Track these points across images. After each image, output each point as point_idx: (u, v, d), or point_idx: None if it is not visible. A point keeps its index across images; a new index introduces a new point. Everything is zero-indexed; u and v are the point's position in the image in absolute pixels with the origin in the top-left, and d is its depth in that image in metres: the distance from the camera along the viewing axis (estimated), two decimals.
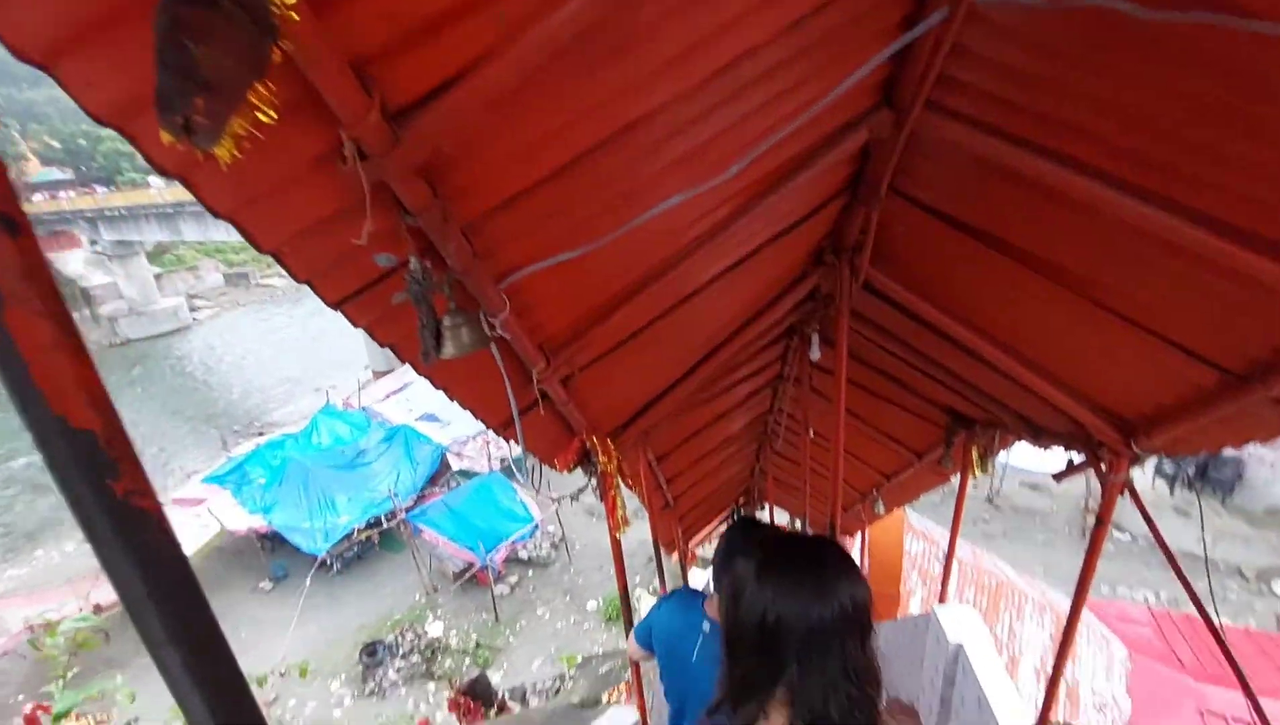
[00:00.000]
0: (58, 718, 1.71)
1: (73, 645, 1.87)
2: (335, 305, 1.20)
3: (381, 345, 1.45)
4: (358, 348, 31.41)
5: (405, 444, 16.85)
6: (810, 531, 5.84)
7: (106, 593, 12.79)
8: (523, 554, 14.32)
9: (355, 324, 1.30)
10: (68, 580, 13.27)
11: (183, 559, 0.38)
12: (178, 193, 34.69)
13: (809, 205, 2.29)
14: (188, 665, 0.38)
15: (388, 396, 21.41)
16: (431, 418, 18.40)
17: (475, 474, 15.85)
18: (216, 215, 0.89)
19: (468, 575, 13.44)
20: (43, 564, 17.48)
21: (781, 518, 8.13)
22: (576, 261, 1.50)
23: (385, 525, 14.74)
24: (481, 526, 13.29)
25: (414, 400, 20.00)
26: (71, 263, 41.05)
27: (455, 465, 16.17)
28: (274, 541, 14.79)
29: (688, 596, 2.25)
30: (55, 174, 48.87)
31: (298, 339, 37.59)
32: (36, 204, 41.36)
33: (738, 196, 1.90)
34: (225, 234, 33.78)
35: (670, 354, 2.84)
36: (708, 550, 9.44)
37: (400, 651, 11.85)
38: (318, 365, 32.52)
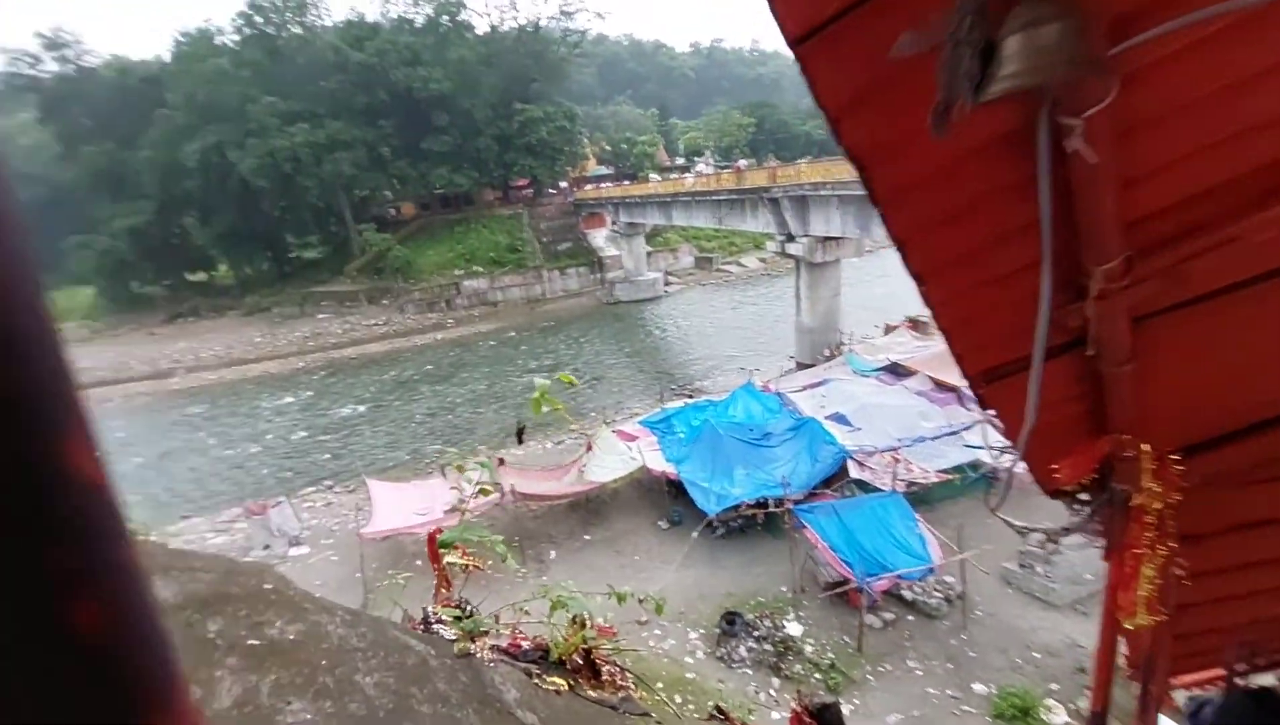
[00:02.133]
0: (444, 544, 1.67)
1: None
2: None
3: None
4: (787, 338, 32.91)
5: (809, 438, 16.64)
6: None
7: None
8: (906, 593, 12.54)
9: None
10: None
11: None
12: (671, 187, 42.05)
13: None
14: None
15: (804, 388, 21.61)
16: (841, 419, 17.74)
17: (874, 490, 14.57)
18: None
19: (838, 590, 12.47)
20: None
21: None
22: None
23: (772, 509, 14.85)
24: (867, 546, 12.07)
25: (829, 397, 19.66)
26: (598, 238, 54.33)
27: (854, 473, 15.17)
28: (678, 489, 16.45)
29: None
30: (602, 170, 65.09)
31: (738, 322, 41.64)
32: (587, 192, 56.02)
33: None
34: (703, 222, 39.40)
35: None
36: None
37: (755, 634, 11.75)
38: (749, 348, 35.38)
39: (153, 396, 38.03)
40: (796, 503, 13.98)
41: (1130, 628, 1.72)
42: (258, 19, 53.00)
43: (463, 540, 1.72)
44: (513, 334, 43.62)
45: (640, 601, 2.33)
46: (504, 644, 1.83)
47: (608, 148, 69.27)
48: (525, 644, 1.86)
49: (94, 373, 42.45)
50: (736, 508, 15.18)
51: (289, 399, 34.52)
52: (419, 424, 29.08)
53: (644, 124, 77.32)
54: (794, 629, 12.03)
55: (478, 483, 1.99)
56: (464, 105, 51.58)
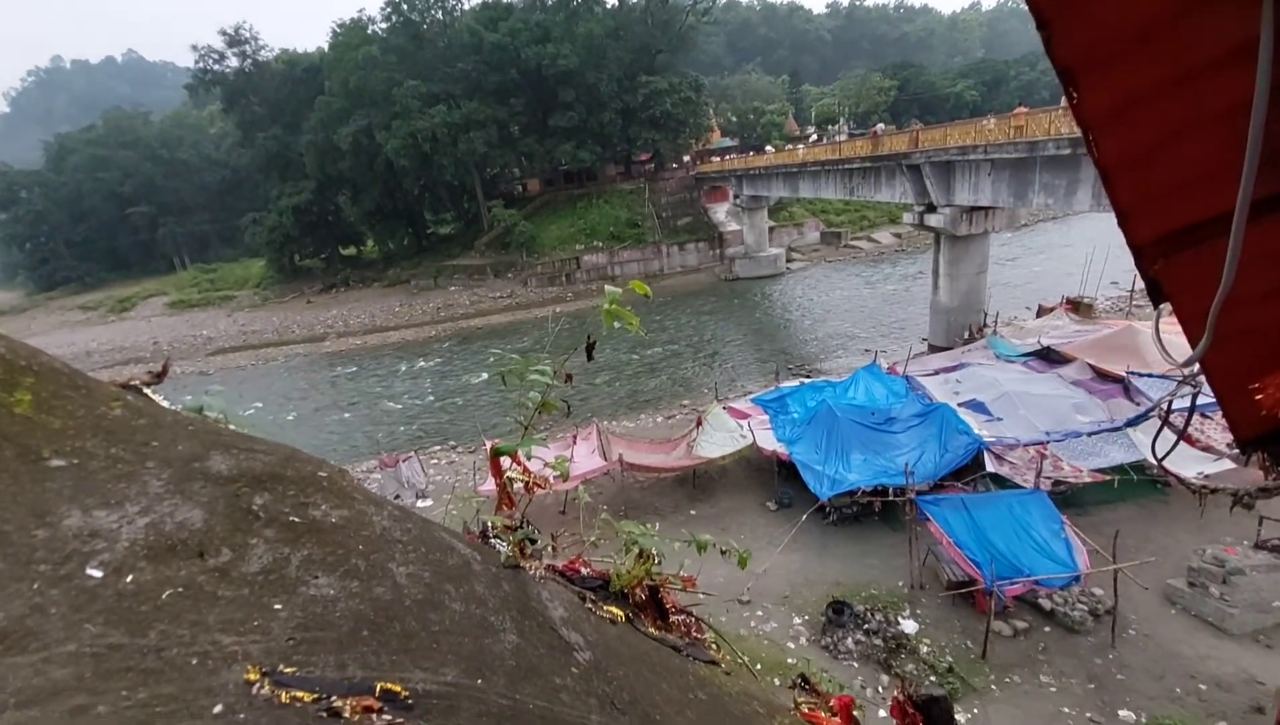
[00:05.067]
0: (499, 452, 1.62)
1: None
2: None
3: None
4: (919, 320, 30.73)
5: (939, 425, 15.44)
6: None
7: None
8: (1044, 602, 11.30)
9: None
10: None
11: None
12: (792, 156, 40.15)
13: None
14: None
15: (937, 372, 20.05)
16: (979, 407, 16.25)
17: (1014, 486, 13.24)
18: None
19: (963, 591, 11.49)
20: None
21: None
22: None
23: (891, 498, 13.99)
24: (1000, 546, 10.97)
25: (966, 383, 18.09)
26: (719, 212, 53.39)
27: (990, 467, 13.85)
28: (788, 470, 15.91)
29: None
30: (727, 142, 63.59)
31: (866, 301, 39.43)
32: (713, 164, 55.03)
33: None
34: (832, 193, 37.42)
35: None
36: None
37: (865, 626, 11.13)
38: (876, 329, 33.44)
39: (308, 357, 42.81)
40: (920, 493, 13.03)
41: None
42: (404, 6, 56.80)
43: (523, 450, 1.61)
44: (629, 308, 44.30)
45: (723, 552, 2.14)
46: (560, 565, 1.74)
47: (733, 118, 67.63)
48: (584, 570, 1.76)
49: (262, 335, 48.60)
50: (852, 494, 14.49)
51: (421, 364, 37.40)
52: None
53: (773, 92, 74.58)
54: (909, 626, 11.27)
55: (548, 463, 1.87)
56: (590, 80, 52.35)
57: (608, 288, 1.62)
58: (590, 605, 1.55)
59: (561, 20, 53.49)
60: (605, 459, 16.19)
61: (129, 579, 0.92)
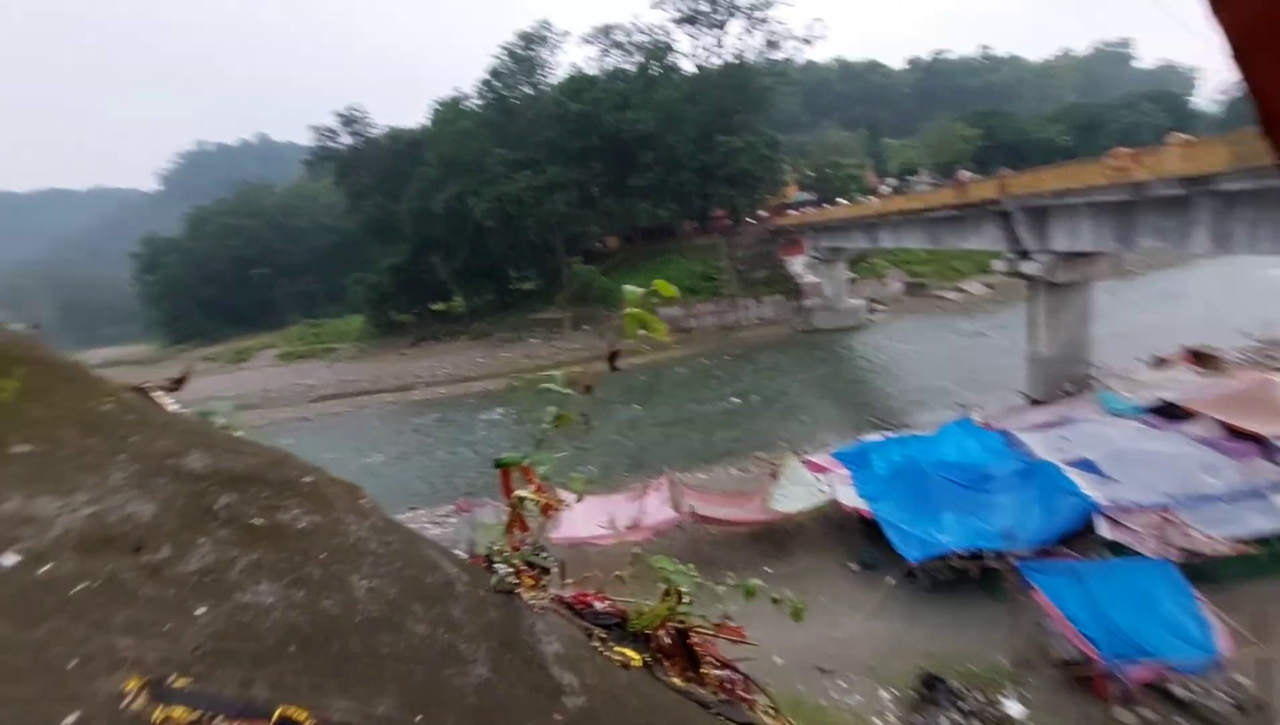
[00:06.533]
0: (502, 464, 1.48)
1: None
2: None
3: None
4: (1016, 372, 28.74)
5: (1043, 484, 14.16)
6: None
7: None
8: (1177, 689, 9.75)
9: None
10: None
11: None
12: (872, 208, 39.38)
13: None
14: None
15: (1038, 428, 18.47)
16: (1088, 466, 14.74)
17: (1133, 554, 11.76)
18: None
19: (1077, 671, 10.11)
20: None
21: None
22: None
23: (990, 563, 12.75)
24: (1120, 621, 9.64)
25: (1073, 440, 16.57)
26: (796, 265, 52.84)
27: (1104, 533, 12.40)
28: (872, 529, 14.91)
29: None
30: (804, 196, 63.47)
31: (955, 353, 37.41)
32: (789, 217, 54.93)
33: None
34: (915, 242, 36.28)
35: None
36: None
37: (961, 705, 9.94)
38: (967, 382, 31.45)
39: (397, 405, 44.97)
40: (1023, 559, 11.80)
41: None
42: (496, 83, 61.52)
43: (534, 463, 1.46)
44: (704, 360, 43.94)
45: (775, 600, 1.88)
46: (568, 596, 1.54)
47: (810, 173, 67.72)
48: (597, 605, 1.55)
49: (358, 384, 51.67)
50: (944, 557, 13.35)
51: (499, 413, 38.37)
52: (610, 444, 30.33)
53: (851, 146, 74.34)
54: (1013, 708, 10.00)
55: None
56: (667, 141, 54.09)
57: (627, 288, 1.47)
58: (598, 644, 1.34)
59: (641, 88, 56.00)
60: (677, 511, 15.76)
61: (44, 569, 0.82)
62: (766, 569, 15.27)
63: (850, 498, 15.79)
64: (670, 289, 1.52)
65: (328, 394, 50.83)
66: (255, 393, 53.16)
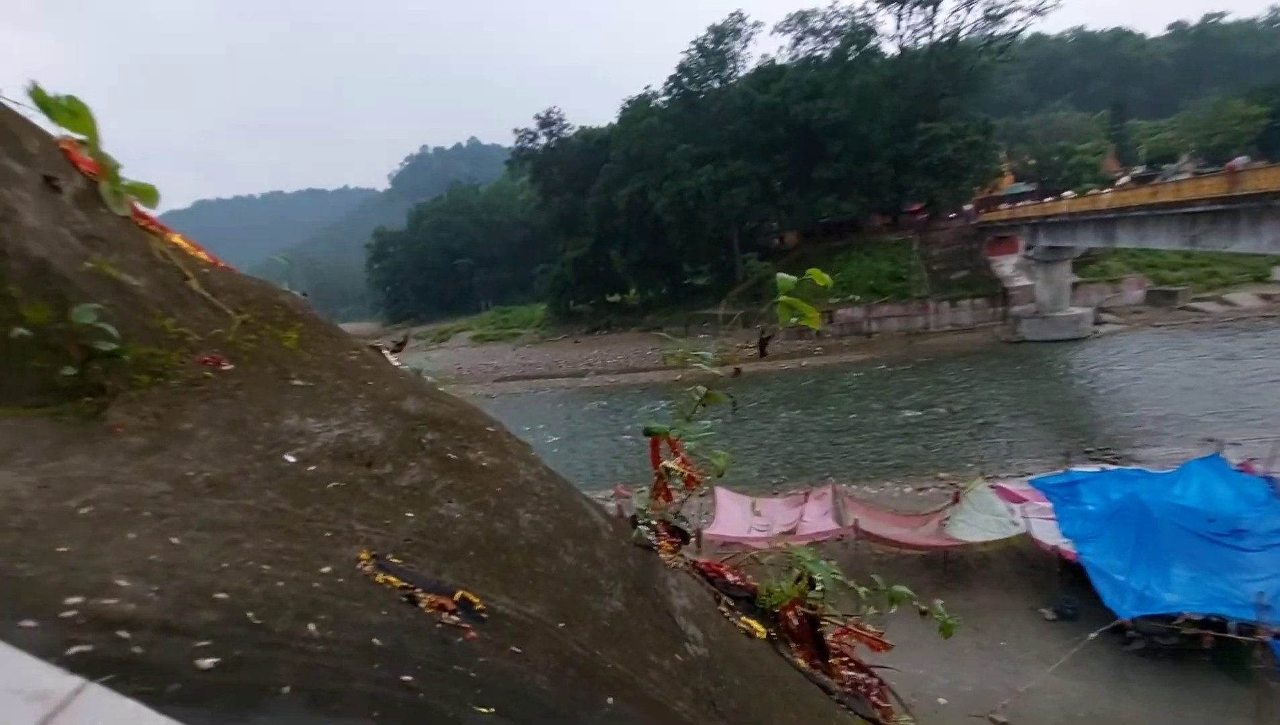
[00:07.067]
0: (651, 433, 1.66)
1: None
2: None
3: None
4: None
5: None
6: None
7: None
8: None
9: None
10: None
11: None
12: (1123, 198, 33.66)
13: None
14: None
15: None
16: None
17: None
18: None
19: None
20: None
21: None
22: None
23: (1233, 635, 10.53)
24: None
25: None
26: (1005, 266, 47.17)
27: None
28: (1074, 574, 13.03)
29: None
30: (1021, 187, 56.29)
31: (1210, 377, 30.95)
32: (1000, 212, 49.01)
33: None
34: (1163, 243, 30.65)
35: None
36: None
37: None
38: (1222, 414, 25.90)
39: (569, 390, 48.44)
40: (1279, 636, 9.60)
41: None
42: (684, 80, 62.79)
43: (681, 437, 1.58)
44: (882, 367, 41.14)
45: (922, 612, 1.83)
46: (702, 562, 1.63)
47: (1031, 161, 59.92)
48: (730, 577, 1.62)
49: (536, 368, 56.45)
50: (1170, 618, 11.27)
51: (661, 405, 39.42)
52: (772, 446, 29.69)
53: (1086, 129, 64.50)
54: None
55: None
56: (860, 130, 51.28)
57: (780, 276, 1.52)
58: (725, 610, 1.43)
59: (835, 75, 53.59)
60: (838, 523, 15.09)
61: (311, 468, 1.12)
62: (938, 600, 13.87)
63: (1049, 534, 13.95)
64: (824, 277, 1.54)
65: (509, 375, 56.07)
66: (450, 369, 60.23)
